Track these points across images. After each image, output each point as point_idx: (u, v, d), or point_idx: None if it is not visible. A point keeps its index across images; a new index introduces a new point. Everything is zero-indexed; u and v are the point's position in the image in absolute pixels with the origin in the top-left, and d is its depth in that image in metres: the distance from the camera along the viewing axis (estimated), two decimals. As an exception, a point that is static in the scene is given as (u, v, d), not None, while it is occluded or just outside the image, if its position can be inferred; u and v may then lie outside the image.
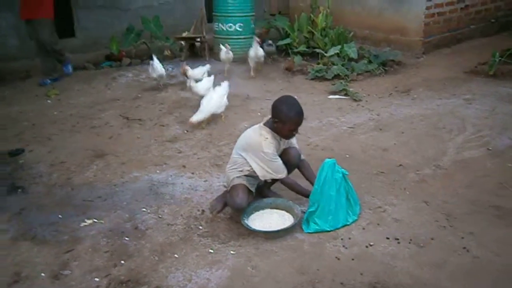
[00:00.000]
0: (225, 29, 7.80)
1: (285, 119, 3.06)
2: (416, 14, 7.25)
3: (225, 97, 5.08)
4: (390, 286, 2.56)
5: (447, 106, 5.22)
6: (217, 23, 7.94)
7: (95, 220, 3.37)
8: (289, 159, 3.25)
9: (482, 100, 5.29)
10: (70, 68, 7.28)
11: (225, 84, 5.17)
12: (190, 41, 8.25)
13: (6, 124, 5.43)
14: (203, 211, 3.44)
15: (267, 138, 3.13)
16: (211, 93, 5.04)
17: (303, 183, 3.36)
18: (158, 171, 4.14)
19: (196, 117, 4.78)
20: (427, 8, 7.15)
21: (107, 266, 2.87)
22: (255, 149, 3.14)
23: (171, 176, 4.04)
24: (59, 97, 6.39)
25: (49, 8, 6.71)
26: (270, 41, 8.11)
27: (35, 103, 6.18)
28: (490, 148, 4.14)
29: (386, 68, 6.72)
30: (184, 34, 8.27)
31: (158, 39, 8.43)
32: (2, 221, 3.44)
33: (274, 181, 3.40)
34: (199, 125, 4.94)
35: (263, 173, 3.17)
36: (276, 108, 3.11)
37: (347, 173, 3.15)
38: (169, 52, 8.46)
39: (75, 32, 8.60)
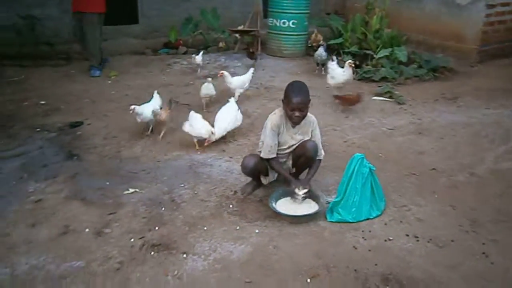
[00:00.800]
0: (278, 24, 8.00)
1: (286, 99, 3.29)
2: (474, 22, 7.09)
3: (238, 111, 4.72)
4: (402, 279, 2.67)
5: (493, 116, 5.12)
6: (271, 19, 8.15)
7: (137, 190, 3.70)
8: (304, 152, 3.39)
9: (532, 113, 5.14)
10: (97, 72, 7.04)
11: (232, 101, 4.83)
12: (244, 34, 8.51)
13: (70, 100, 5.95)
14: (235, 192, 3.67)
15: (274, 113, 3.40)
16: (223, 111, 4.66)
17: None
18: (199, 153, 4.41)
19: (214, 137, 4.36)
20: (487, 15, 6.97)
21: (143, 230, 3.18)
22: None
23: (210, 158, 4.31)
24: (118, 79, 6.87)
25: (101, 3, 6.86)
26: (323, 44, 7.45)
27: (96, 83, 6.70)
28: (531, 161, 4.07)
29: (436, 74, 6.63)
30: (240, 28, 8.54)
31: (214, 30, 8.78)
32: (58, 182, 3.86)
33: (301, 170, 3.57)
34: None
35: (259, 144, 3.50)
36: (285, 88, 3.35)
37: (374, 168, 3.26)
38: (224, 44, 8.78)
39: (138, 19, 9.14)
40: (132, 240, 3.06)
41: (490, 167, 4.01)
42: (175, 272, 2.75)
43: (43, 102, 5.80)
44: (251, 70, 5.87)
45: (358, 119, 5.22)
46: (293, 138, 3.44)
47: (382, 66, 6.72)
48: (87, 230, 3.18)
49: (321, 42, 7.60)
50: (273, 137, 3.34)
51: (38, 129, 4.99)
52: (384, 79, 6.45)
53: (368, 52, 7.29)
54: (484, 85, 6.24)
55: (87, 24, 6.81)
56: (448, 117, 5.18)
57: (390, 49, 6.88)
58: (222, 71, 5.60)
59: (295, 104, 3.25)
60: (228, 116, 4.58)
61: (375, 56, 6.97)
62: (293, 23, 7.91)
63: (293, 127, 3.41)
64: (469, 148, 4.38)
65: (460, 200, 3.52)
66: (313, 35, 8.02)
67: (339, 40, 7.96)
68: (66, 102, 5.85)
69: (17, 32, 7.53)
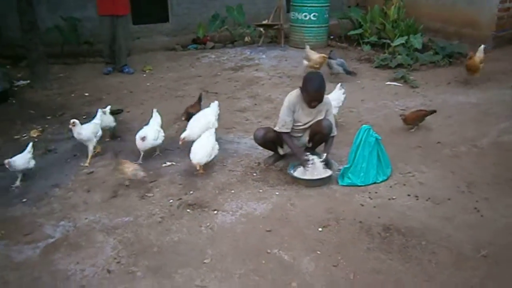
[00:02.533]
0: (300, 18, 8.44)
1: (305, 90, 3.72)
2: (489, 8, 7.32)
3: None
4: (401, 228, 3.11)
5: (502, 96, 5.43)
6: (293, 12, 8.60)
7: (173, 163, 4.27)
8: (320, 130, 3.83)
9: (539, 93, 5.42)
10: (130, 69, 7.48)
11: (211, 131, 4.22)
12: (268, 28, 8.99)
13: (110, 91, 6.60)
14: (258, 163, 4.18)
15: (292, 94, 3.85)
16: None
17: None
18: (227, 133, 4.94)
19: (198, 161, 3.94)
20: (501, 1, 7.19)
21: (179, 193, 3.73)
22: None
23: (237, 137, 4.83)
24: (152, 72, 7.49)
25: (127, 5, 7.23)
26: (339, 60, 6.45)
27: (133, 76, 7.33)
28: (531, 134, 4.39)
29: (451, 60, 6.92)
30: (264, 22, 9.03)
31: (240, 26, 9.31)
32: (106, 158, 4.47)
33: (317, 145, 4.03)
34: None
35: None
36: (303, 79, 3.78)
37: (380, 138, 3.71)
38: (249, 38, 9.29)
39: (169, 18, 9.78)
40: (171, 201, 3.62)
41: (492, 140, 4.36)
42: (208, 224, 3.29)
43: (87, 94, 6.47)
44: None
45: (373, 102, 5.63)
46: (308, 116, 3.89)
47: (399, 54, 7.06)
48: (133, 194, 3.76)
49: (328, 53, 6.57)
50: (289, 114, 3.81)
51: (84, 116, 5.63)
52: (400, 65, 6.80)
53: (385, 41, 7.63)
54: (497, 69, 6.50)
55: (121, 26, 7.21)
56: (458, 98, 5.53)
57: (406, 37, 7.21)
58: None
59: (313, 97, 3.71)
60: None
61: (391, 44, 7.31)
62: (314, 16, 8.33)
63: (309, 107, 3.86)
64: (474, 124, 4.73)
65: (460, 167, 3.91)
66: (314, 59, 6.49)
67: (359, 31, 8.35)
68: (107, 93, 6.50)
69: (61, 33, 8.28)
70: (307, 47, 6.68)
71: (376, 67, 7.05)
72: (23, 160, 3.97)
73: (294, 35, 8.74)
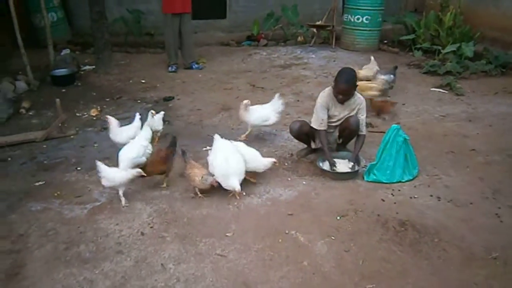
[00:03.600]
0: (352, 20, 8.53)
1: (335, 81, 3.88)
2: (551, 19, 7.05)
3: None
4: (416, 225, 3.23)
5: (548, 109, 5.28)
6: (346, 14, 8.71)
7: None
8: (348, 126, 3.97)
9: None
10: (199, 65, 7.76)
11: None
12: (321, 29, 9.15)
13: (164, 80, 7.08)
14: (291, 154, 4.42)
15: (324, 92, 4.01)
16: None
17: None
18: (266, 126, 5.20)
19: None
20: None
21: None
22: None
23: (276, 130, 5.08)
24: (205, 65, 7.90)
25: (190, 4, 7.34)
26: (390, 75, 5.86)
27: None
28: None
29: (504, 70, 6.75)
30: (317, 23, 9.20)
31: (293, 25, 9.54)
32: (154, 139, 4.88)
33: (346, 141, 4.19)
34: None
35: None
36: (337, 73, 3.94)
37: (408, 138, 3.81)
38: (302, 38, 9.50)
39: (226, 15, 10.21)
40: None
41: (529, 151, 4.31)
42: (235, 203, 3.57)
43: (143, 81, 7.00)
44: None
45: (414, 106, 5.67)
46: (340, 113, 4.05)
47: (449, 61, 6.99)
48: (173, 171, 4.12)
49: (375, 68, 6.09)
50: (323, 111, 4.00)
51: (139, 101, 6.15)
52: (448, 73, 6.73)
53: (437, 47, 7.56)
54: (549, 82, 6.29)
55: (188, 23, 7.41)
56: (502, 108, 5.43)
57: (457, 45, 7.11)
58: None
59: (340, 89, 3.88)
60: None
61: (442, 51, 7.24)
62: (366, 19, 8.39)
63: (338, 102, 4.03)
64: (514, 135, 4.68)
65: (490, 174, 3.92)
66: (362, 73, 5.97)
67: (411, 36, 8.31)
68: (161, 81, 6.99)
69: (126, 24, 8.94)
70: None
71: (424, 73, 7.02)
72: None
73: (345, 37, 8.85)
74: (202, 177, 3.56)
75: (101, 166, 3.56)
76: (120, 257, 2.98)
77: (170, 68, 7.53)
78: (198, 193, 3.66)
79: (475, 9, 8.24)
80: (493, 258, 2.87)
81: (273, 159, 3.87)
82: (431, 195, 3.61)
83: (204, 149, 4.59)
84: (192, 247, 3.06)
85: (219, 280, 2.76)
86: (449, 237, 3.09)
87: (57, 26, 8.74)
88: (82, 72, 7.40)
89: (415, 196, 3.61)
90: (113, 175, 3.57)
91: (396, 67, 6.08)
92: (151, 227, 3.29)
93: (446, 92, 6.16)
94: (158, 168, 3.82)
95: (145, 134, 4.27)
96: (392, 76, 5.82)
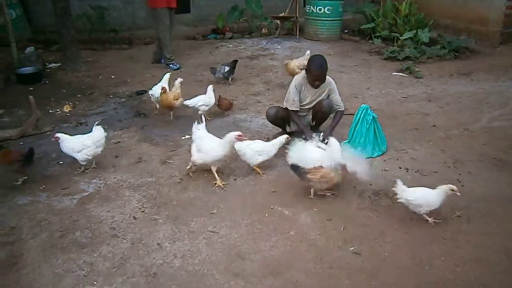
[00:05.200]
0: (315, 11, 8.84)
1: (309, 70, 4.12)
2: (497, 5, 7.62)
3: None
4: (389, 193, 3.52)
5: (499, 87, 5.78)
6: (309, 6, 9.01)
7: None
8: (320, 109, 4.24)
9: (536, 85, 5.76)
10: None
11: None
12: (284, 20, 9.42)
13: (134, 75, 7.13)
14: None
15: (299, 75, 4.27)
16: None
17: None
18: (241, 113, 5.41)
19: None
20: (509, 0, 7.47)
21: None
22: None
23: (250, 117, 5.30)
24: (174, 59, 7.97)
25: None
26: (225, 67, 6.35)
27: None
28: (520, 121, 4.76)
29: (457, 54, 7.25)
30: (281, 15, 9.46)
31: (257, 18, 9.75)
32: (131, 131, 4.99)
33: (319, 123, 4.46)
34: None
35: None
36: (308, 60, 4.22)
37: (376, 116, 4.13)
38: (266, 30, 9.73)
39: (190, 9, 10.29)
40: (188, 166, 4.10)
41: (483, 125, 4.75)
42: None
43: (113, 77, 7.02)
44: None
45: (378, 90, 6.04)
46: (312, 96, 4.31)
47: (407, 47, 7.42)
48: (155, 161, 4.27)
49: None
50: (296, 93, 4.25)
51: (111, 96, 6.19)
52: (407, 58, 7.16)
53: (396, 35, 7.99)
54: (499, 63, 6.83)
55: (173, 17, 7.39)
56: (458, 88, 5.89)
57: (414, 32, 7.56)
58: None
59: (315, 75, 4.13)
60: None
61: (400, 38, 7.67)
62: (328, 10, 8.73)
63: (313, 88, 4.28)
64: (469, 111, 5.11)
65: (450, 147, 4.31)
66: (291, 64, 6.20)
67: (371, 25, 8.72)
68: (131, 76, 7.04)
69: (89, 21, 8.86)
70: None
71: (385, 59, 7.43)
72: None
73: (308, 27, 9.16)
74: (332, 170, 3.39)
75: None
76: (116, 240, 3.12)
77: (172, 66, 7.32)
78: (328, 193, 3.51)
79: (428, -2, 8.75)
80: (457, 217, 3.21)
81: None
82: (400, 167, 3.94)
83: (183, 137, 4.74)
84: (184, 226, 3.24)
85: (214, 253, 2.95)
86: (419, 202, 3.41)
87: (16, 23, 8.51)
88: (48, 70, 7.32)
89: (386, 168, 3.93)
90: None
91: (235, 61, 6.36)
92: (142, 212, 3.43)
93: (406, 75, 6.58)
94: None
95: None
96: (226, 67, 6.07)
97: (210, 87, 5.31)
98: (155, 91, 5.34)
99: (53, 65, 7.58)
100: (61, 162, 4.29)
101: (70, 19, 7.26)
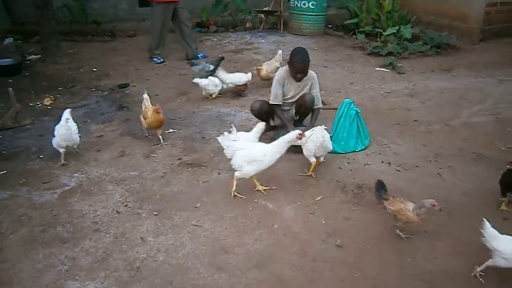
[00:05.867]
0: (299, 5, 8.83)
1: (291, 63, 4.11)
2: (478, 3, 7.73)
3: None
4: (371, 187, 3.56)
5: (479, 83, 5.89)
6: (293, 0, 8.99)
7: (176, 130, 4.73)
8: (303, 103, 4.25)
9: (514, 81, 5.89)
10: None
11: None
12: (269, 14, 9.40)
13: (117, 68, 7.03)
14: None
15: (281, 69, 4.29)
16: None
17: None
18: (224, 107, 5.39)
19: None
20: (489, -3, 7.61)
21: (180, 155, 4.19)
22: None
23: (234, 111, 5.29)
24: (158, 52, 7.89)
25: None
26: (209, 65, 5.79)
27: (138, 55, 7.73)
28: (498, 117, 4.87)
29: (439, 50, 7.35)
30: (265, 9, 9.43)
31: (242, 12, 9.70)
32: (114, 125, 4.93)
33: (302, 117, 4.47)
34: None
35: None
36: (290, 53, 4.18)
37: (360, 111, 4.16)
38: (250, 24, 9.69)
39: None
40: (171, 161, 4.08)
41: (463, 120, 4.83)
42: (204, 179, 3.75)
43: (95, 69, 6.91)
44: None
45: (361, 85, 6.08)
46: (295, 90, 4.32)
47: (390, 43, 7.49)
48: (138, 154, 4.23)
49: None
50: (279, 87, 4.25)
51: (93, 89, 6.10)
52: (390, 53, 7.23)
53: (379, 30, 8.05)
54: (480, 60, 6.95)
55: (184, 11, 7.19)
56: (439, 83, 5.98)
57: (397, 27, 7.63)
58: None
59: (298, 69, 4.13)
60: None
61: (383, 33, 7.74)
62: (312, 4, 8.72)
63: (296, 81, 4.29)
64: (450, 107, 5.19)
65: (431, 141, 4.38)
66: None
67: (355, 20, 8.76)
68: (114, 69, 6.94)
69: (70, 12, 8.68)
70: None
71: (368, 54, 7.48)
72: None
73: (293, 22, 9.15)
74: (415, 207, 2.86)
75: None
76: (99, 234, 3.09)
77: (156, 60, 7.25)
78: (400, 233, 3.02)
79: (411, -6, 8.84)
80: (439, 210, 3.26)
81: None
82: (382, 161, 3.99)
83: (167, 131, 4.71)
84: (168, 220, 3.22)
85: (198, 247, 2.95)
86: (401, 195, 3.39)
87: (-5, 14, 8.34)
88: (28, 62, 7.16)
89: (369, 163, 3.97)
90: None
91: (222, 58, 6.08)
92: (125, 206, 3.40)
93: (389, 71, 6.65)
94: None
95: None
96: (211, 66, 5.80)
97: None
98: None
99: (33, 57, 7.41)
100: (41, 156, 4.22)
101: (50, 10, 7.10)
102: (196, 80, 5.53)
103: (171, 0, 6.94)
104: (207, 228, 3.13)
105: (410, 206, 2.87)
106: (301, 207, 3.35)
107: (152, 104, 4.53)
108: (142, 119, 4.47)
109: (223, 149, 3.56)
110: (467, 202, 3.39)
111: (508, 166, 3.14)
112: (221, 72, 5.68)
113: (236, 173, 3.41)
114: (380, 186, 3.11)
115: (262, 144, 3.59)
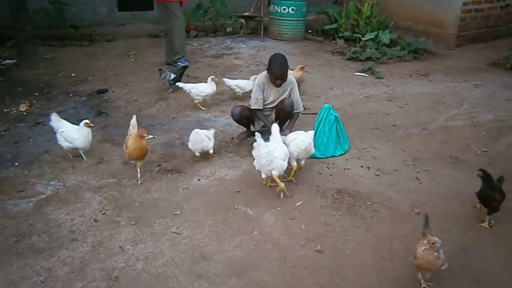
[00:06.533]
0: (279, 11, 8.88)
1: (270, 70, 4.11)
2: (453, 9, 7.91)
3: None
4: (351, 192, 3.60)
5: (455, 88, 6.01)
6: (273, 5, 9.04)
7: (155, 136, 4.68)
8: (283, 108, 4.23)
9: (488, 86, 6.04)
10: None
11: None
12: (249, 19, 9.42)
13: (95, 73, 6.94)
14: (232, 138, 4.64)
15: (261, 74, 4.28)
16: None
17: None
18: (204, 112, 5.37)
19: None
20: (464, 4, 7.79)
21: (160, 161, 4.15)
22: None
23: (214, 116, 5.27)
24: (137, 57, 7.84)
25: None
26: (170, 74, 5.97)
27: (118, 59, 7.67)
28: (474, 121, 4.97)
29: (416, 55, 7.48)
30: (245, 14, 9.45)
31: (222, 16, 9.70)
32: (93, 131, 4.78)
33: (282, 122, 4.47)
34: None
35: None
36: (269, 59, 4.18)
37: (339, 116, 4.20)
38: (231, 28, 9.70)
39: (153, 6, 10.09)
40: (152, 167, 4.04)
41: (440, 124, 4.92)
42: (184, 186, 3.72)
43: (73, 74, 6.80)
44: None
45: (341, 89, 6.14)
46: (275, 95, 4.31)
47: (369, 48, 7.59)
48: (117, 161, 4.17)
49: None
50: (259, 91, 4.25)
51: (71, 95, 6.00)
52: (369, 58, 7.33)
53: (358, 35, 8.16)
54: (456, 65, 7.10)
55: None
56: (416, 88, 6.08)
57: (375, 33, 7.75)
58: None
59: (277, 75, 4.13)
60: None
61: (362, 39, 7.84)
62: (292, 10, 8.79)
63: (275, 86, 4.30)
64: (428, 111, 5.28)
65: (409, 145, 4.44)
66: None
67: (334, 26, 8.85)
68: (92, 74, 6.84)
69: (47, 16, 8.53)
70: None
71: (347, 59, 7.56)
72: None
73: (273, 27, 9.19)
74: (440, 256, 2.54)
75: None
76: (76, 244, 3.02)
77: (181, 63, 6.89)
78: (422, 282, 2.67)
79: (389, 1, 8.98)
80: (416, 214, 3.31)
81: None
82: (362, 166, 4.03)
83: (146, 138, 4.64)
84: (147, 228, 3.18)
85: (178, 255, 2.92)
86: (380, 199, 3.50)
87: (-32, 18, 8.13)
88: (2, 67, 7.01)
89: (348, 167, 4.00)
90: None
91: (184, 68, 6.18)
92: (103, 214, 3.34)
93: (368, 76, 6.73)
94: None
95: None
96: (172, 74, 5.90)
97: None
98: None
99: (8, 61, 7.25)
100: (16, 164, 4.12)
101: (26, 13, 6.98)
102: (180, 84, 5.48)
103: (182, 1, 6.85)
104: (187, 236, 3.10)
105: (438, 253, 2.51)
106: (281, 213, 3.35)
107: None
108: (124, 147, 3.83)
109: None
110: (444, 206, 3.44)
111: (477, 173, 3.16)
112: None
113: (274, 172, 3.45)
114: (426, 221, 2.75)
115: (279, 143, 3.67)
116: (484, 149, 4.35)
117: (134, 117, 3.96)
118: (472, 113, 5.17)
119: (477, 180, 3.20)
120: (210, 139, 4.12)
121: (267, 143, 3.64)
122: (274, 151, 3.49)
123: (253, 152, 3.54)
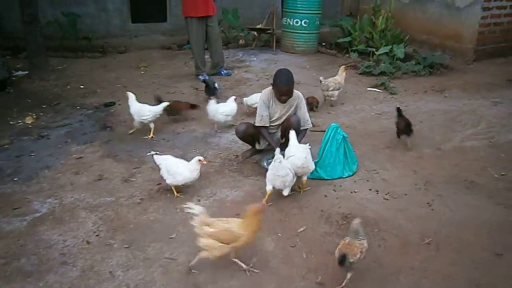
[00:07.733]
0: (291, 23, 8.76)
1: (275, 86, 3.98)
2: (471, 23, 7.66)
3: None
4: (358, 217, 3.38)
5: (472, 105, 5.76)
6: (285, 18, 8.93)
7: (158, 152, 4.54)
8: (289, 125, 4.05)
9: (508, 103, 5.77)
10: (229, 70, 7.63)
11: None
12: (261, 32, 9.32)
13: (104, 85, 6.89)
14: (236, 156, 4.48)
15: (265, 90, 4.15)
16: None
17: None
18: (210, 128, 5.24)
19: None
20: (482, 18, 7.53)
21: (160, 180, 4.00)
22: None
23: (220, 132, 5.13)
24: (147, 69, 7.79)
25: (214, 5, 6.99)
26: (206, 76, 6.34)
27: (128, 72, 7.63)
28: (492, 141, 4.72)
29: (432, 70, 7.25)
30: (257, 26, 9.36)
31: (234, 29, 9.63)
32: (95, 146, 4.77)
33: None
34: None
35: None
36: (274, 75, 4.05)
37: (347, 135, 4.01)
38: (243, 41, 9.62)
39: (167, 18, 10.10)
40: (151, 186, 3.91)
41: (455, 144, 4.68)
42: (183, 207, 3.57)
43: (82, 86, 6.77)
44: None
45: (352, 105, 5.95)
46: (281, 111, 4.16)
47: (383, 62, 7.39)
48: (117, 178, 4.05)
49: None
50: (264, 108, 4.10)
51: (78, 107, 5.95)
52: (382, 73, 7.12)
53: (372, 49, 7.97)
54: (473, 80, 6.84)
55: (214, 27, 7.11)
56: (431, 105, 5.85)
57: (389, 47, 7.55)
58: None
59: (282, 91, 3.99)
60: None
61: (375, 53, 7.65)
62: (305, 22, 8.66)
63: (281, 102, 4.15)
64: (442, 130, 5.05)
65: (422, 167, 4.22)
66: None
67: (348, 39, 8.69)
68: (101, 87, 6.80)
69: (60, 28, 8.58)
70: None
71: (360, 73, 7.37)
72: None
73: (285, 40, 9.07)
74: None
75: None
76: (65, 268, 2.90)
77: (200, 77, 6.81)
78: None
79: (404, 14, 8.78)
80: (426, 244, 3.10)
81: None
82: (370, 189, 3.82)
83: (148, 154, 4.54)
84: (140, 252, 3.04)
85: (170, 283, 2.77)
86: (388, 226, 3.29)
87: (-17, 29, 8.23)
88: (14, 78, 7.02)
89: (356, 190, 3.80)
90: None
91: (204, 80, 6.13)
92: (97, 235, 3.22)
93: (381, 91, 6.52)
94: None
95: None
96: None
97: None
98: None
99: (20, 73, 7.28)
100: (16, 179, 4.04)
101: (38, 25, 7.00)
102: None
103: (198, 15, 6.81)
104: (181, 262, 2.95)
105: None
106: (282, 239, 3.17)
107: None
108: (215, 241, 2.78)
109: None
110: (457, 235, 3.21)
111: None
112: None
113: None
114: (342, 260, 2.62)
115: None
116: (502, 173, 4.09)
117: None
118: (490, 132, 4.92)
119: (494, 206, 2.98)
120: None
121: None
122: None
123: (270, 167, 3.53)
